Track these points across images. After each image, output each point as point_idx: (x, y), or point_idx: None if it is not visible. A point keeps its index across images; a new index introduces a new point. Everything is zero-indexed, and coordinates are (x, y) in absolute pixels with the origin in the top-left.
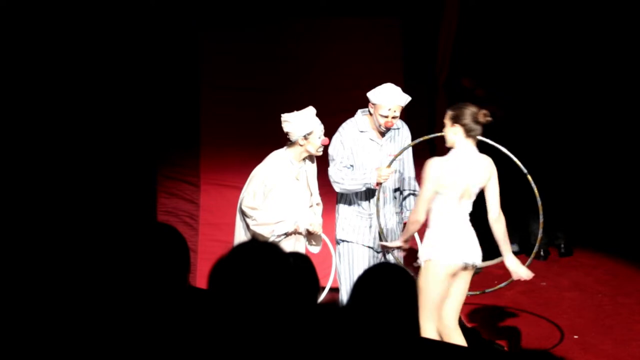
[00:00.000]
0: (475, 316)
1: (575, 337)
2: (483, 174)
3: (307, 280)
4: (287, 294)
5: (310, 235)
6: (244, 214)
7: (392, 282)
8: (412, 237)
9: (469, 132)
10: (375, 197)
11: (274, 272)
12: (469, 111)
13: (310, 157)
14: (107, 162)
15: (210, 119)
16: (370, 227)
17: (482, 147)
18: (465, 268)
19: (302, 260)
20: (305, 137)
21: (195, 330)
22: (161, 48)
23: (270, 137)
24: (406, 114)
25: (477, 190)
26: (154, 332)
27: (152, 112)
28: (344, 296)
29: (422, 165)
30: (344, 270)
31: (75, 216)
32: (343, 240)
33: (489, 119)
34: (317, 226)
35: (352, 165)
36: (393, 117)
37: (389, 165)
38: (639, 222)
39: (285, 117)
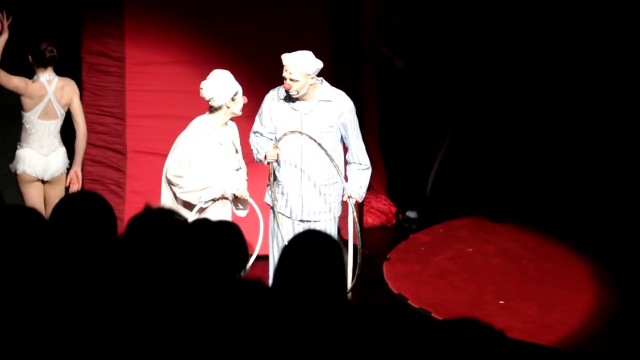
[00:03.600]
0: (402, 282)
1: (501, 302)
2: (63, 94)
3: (235, 248)
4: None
5: (236, 200)
6: (170, 183)
7: (318, 249)
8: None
9: (39, 63)
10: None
11: (173, 238)
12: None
13: (231, 119)
14: None
15: (134, 88)
16: (282, 194)
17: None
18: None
19: (229, 229)
20: (233, 99)
21: (121, 299)
22: None
23: (195, 103)
24: (334, 84)
25: (62, 110)
26: (82, 301)
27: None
28: (271, 263)
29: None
30: (270, 237)
31: None
32: (270, 207)
33: (53, 54)
34: (243, 190)
35: (272, 133)
36: (291, 80)
37: (276, 146)
38: (565, 193)
39: (205, 84)
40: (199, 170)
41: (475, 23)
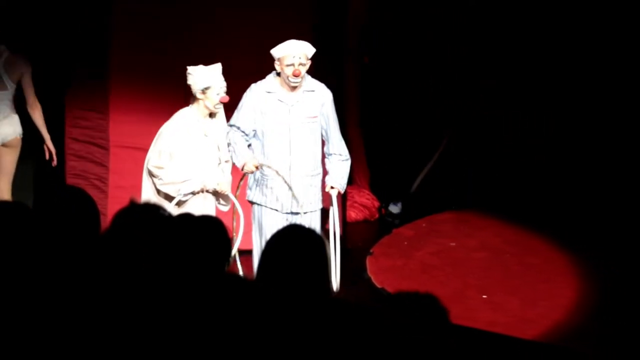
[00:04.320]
0: (385, 277)
1: (484, 296)
2: (13, 69)
3: (217, 243)
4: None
5: (218, 195)
6: (150, 174)
7: (301, 245)
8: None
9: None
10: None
11: (157, 235)
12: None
13: (214, 114)
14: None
15: (119, 80)
16: (270, 187)
17: None
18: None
19: (212, 224)
20: (203, 92)
21: (105, 293)
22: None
23: (180, 98)
24: (316, 78)
25: (12, 83)
26: (66, 296)
27: (61, 66)
28: (255, 259)
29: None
30: (254, 233)
31: None
32: (252, 202)
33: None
34: (224, 185)
35: (254, 130)
36: (300, 65)
37: (259, 167)
38: (549, 186)
39: (190, 69)
40: (180, 162)
41: (475, 23)
